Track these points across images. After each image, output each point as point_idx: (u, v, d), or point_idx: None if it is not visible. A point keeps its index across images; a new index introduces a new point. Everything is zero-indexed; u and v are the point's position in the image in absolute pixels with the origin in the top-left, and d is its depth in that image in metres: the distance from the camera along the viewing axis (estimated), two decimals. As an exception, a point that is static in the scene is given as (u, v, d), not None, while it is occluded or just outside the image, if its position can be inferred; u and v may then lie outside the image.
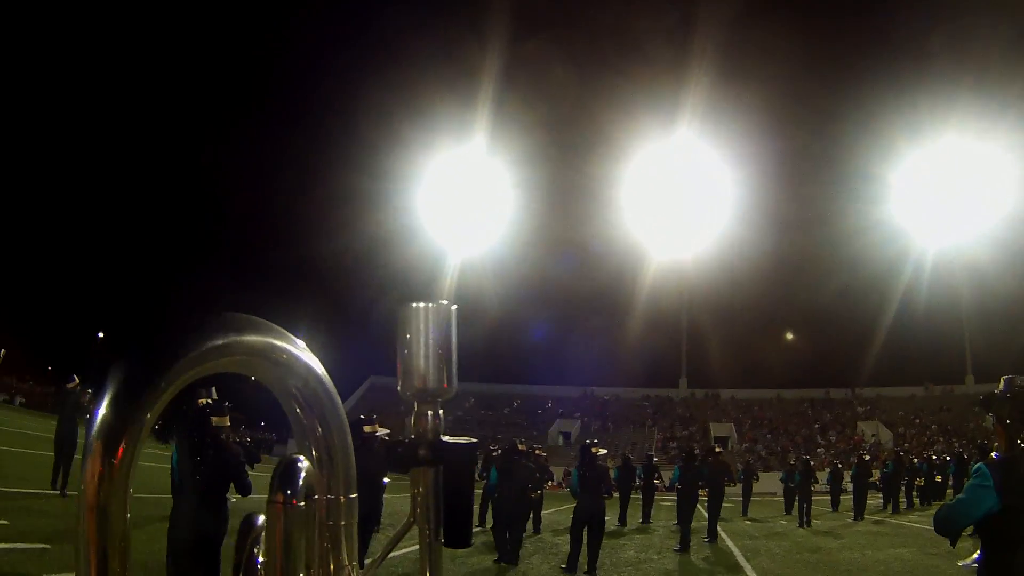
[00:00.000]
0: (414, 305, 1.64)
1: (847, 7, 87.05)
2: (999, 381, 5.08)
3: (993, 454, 4.93)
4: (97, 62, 71.25)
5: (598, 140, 77.64)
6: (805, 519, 29.32)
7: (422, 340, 1.61)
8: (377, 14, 77.38)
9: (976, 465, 4.92)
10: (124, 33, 71.02)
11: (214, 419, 9.09)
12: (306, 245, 71.38)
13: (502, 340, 70.05)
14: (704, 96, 74.30)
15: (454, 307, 1.67)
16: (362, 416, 13.39)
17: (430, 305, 1.63)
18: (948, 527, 4.82)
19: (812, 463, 35.72)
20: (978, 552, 4.90)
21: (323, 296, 68.73)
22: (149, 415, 1.02)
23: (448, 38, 77.30)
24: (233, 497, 9.24)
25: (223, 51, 75.63)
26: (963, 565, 5.20)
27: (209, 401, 9.52)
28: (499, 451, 20.04)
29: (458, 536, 1.58)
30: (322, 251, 71.51)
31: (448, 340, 1.63)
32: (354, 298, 68.89)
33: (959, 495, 4.86)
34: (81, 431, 17.21)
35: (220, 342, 1.15)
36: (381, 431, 13.16)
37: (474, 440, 1.68)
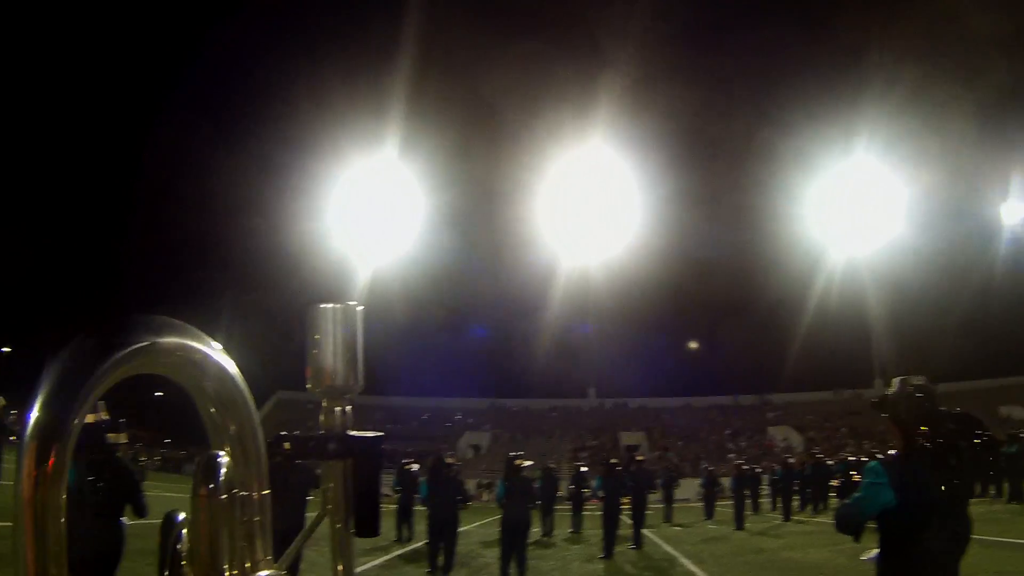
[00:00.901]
0: (322, 306, 1.72)
1: (757, 24, 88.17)
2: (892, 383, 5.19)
3: (891, 452, 5.06)
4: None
5: (509, 149, 77.62)
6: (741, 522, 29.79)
7: (330, 339, 1.69)
8: (287, 16, 76.52)
9: (871, 463, 5.04)
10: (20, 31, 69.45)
11: (110, 436, 8.93)
12: (209, 261, 70.38)
13: (410, 352, 69.64)
14: (616, 107, 74.69)
15: (360, 308, 1.75)
16: (283, 433, 13.29)
17: (337, 306, 1.72)
18: (847, 524, 4.93)
19: (712, 470, 36.43)
20: (876, 549, 5.00)
21: (228, 310, 67.67)
22: (78, 419, 1.06)
23: (359, 42, 76.87)
24: (128, 519, 9.06)
25: (130, 48, 74.37)
26: (864, 559, 5.34)
27: (103, 416, 9.35)
28: (428, 464, 20.10)
29: (368, 526, 1.65)
30: (227, 266, 70.67)
31: (355, 339, 1.72)
32: (260, 313, 67.96)
33: (855, 493, 4.96)
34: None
35: (144, 343, 1.20)
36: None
37: (381, 433, 1.76)
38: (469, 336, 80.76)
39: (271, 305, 68.11)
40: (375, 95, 70.70)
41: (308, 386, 1.72)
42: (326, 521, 1.70)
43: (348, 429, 1.68)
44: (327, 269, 72.77)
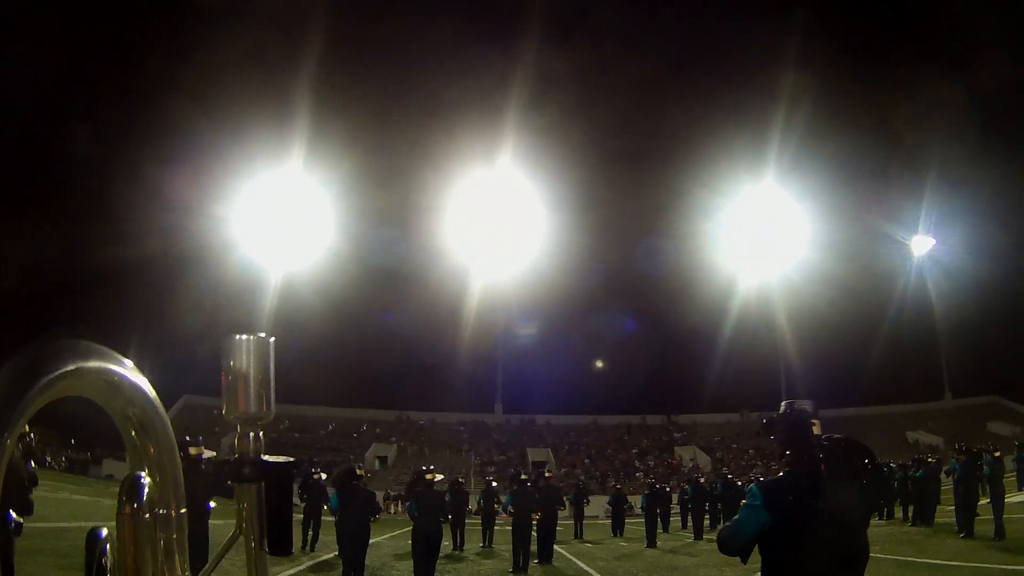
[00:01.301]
0: (236, 337, 1.81)
1: (667, 45, 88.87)
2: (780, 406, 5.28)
3: (779, 474, 5.14)
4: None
5: (421, 162, 77.44)
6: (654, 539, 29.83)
7: (244, 369, 1.78)
8: (195, 25, 75.52)
9: (750, 486, 5.14)
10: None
11: None
12: (116, 258, 68.88)
13: (317, 362, 68.92)
14: (525, 125, 74.97)
15: (272, 339, 1.85)
16: (187, 438, 13.16)
17: (251, 337, 1.81)
18: (728, 546, 4.97)
19: (620, 487, 36.72)
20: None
21: (135, 313, 66.51)
22: (9, 441, 1.14)
23: (269, 55, 76.26)
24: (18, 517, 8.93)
25: (38, 48, 72.85)
26: None
27: None
28: (339, 476, 19.90)
29: (280, 545, 1.74)
30: (134, 266, 69.39)
31: (267, 369, 1.81)
32: (167, 315, 66.89)
33: (736, 516, 5.06)
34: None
35: (70, 367, 1.28)
36: (207, 453, 12.97)
37: (292, 459, 1.86)
38: (377, 346, 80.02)
39: (178, 309, 67.24)
40: (282, 106, 70.33)
41: (223, 412, 1.81)
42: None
43: (261, 454, 1.77)
44: (237, 274, 72.07)
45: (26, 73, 71.53)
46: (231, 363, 1.80)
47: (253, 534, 1.76)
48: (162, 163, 70.65)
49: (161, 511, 1.50)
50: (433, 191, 77.41)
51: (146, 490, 1.44)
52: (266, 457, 1.79)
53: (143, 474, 1.47)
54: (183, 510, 1.55)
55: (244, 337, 1.81)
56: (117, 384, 1.42)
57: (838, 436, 5.27)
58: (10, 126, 72.61)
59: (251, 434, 1.81)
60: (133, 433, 1.50)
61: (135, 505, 1.41)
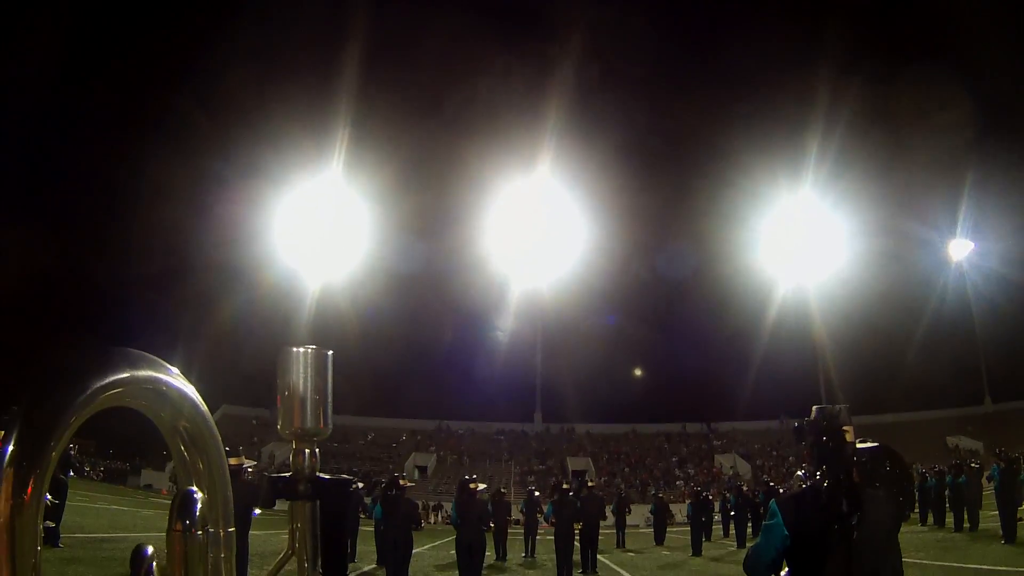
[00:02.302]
0: (293, 350, 1.74)
1: (708, 56, 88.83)
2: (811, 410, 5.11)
3: (802, 486, 4.95)
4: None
5: (458, 174, 77.60)
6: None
7: (300, 383, 1.72)
8: (235, 40, 75.98)
9: (771, 502, 4.91)
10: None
11: None
12: (155, 269, 69.47)
13: (357, 371, 69.09)
14: (567, 135, 75.05)
15: (330, 352, 1.78)
16: (227, 448, 13.14)
17: (308, 350, 1.75)
18: (752, 567, 4.82)
19: (662, 496, 36.60)
20: None
21: (173, 322, 67.05)
22: (55, 453, 1.09)
23: (307, 67, 76.66)
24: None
25: (75, 69, 73.45)
26: None
27: None
28: (382, 486, 19.86)
29: (335, 567, 1.68)
30: (172, 276, 69.98)
31: (324, 383, 1.75)
32: (205, 325, 67.31)
33: (758, 537, 4.88)
34: None
35: (119, 377, 1.23)
36: (248, 463, 13.00)
37: (350, 477, 1.80)
38: (416, 356, 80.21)
39: (218, 320, 67.64)
40: (321, 117, 70.62)
41: (279, 426, 1.75)
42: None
43: (316, 471, 1.71)
44: (275, 285, 72.40)
45: (71, 91, 72.35)
46: (287, 377, 1.74)
47: (306, 554, 1.70)
48: (204, 174, 71.27)
49: (211, 529, 1.44)
50: (471, 200, 77.65)
51: (199, 507, 1.39)
52: (322, 475, 1.74)
53: (195, 489, 1.41)
54: (232, 528, 1.49)
55: (301, 350, 1.76)
56: (167, 395, 1.38)
57: (868, 443, 5.15)
58: (55, 140, 73.49)
59: (307, 451, 1.75)
60: (182, 447, 1.45)
61: (187, 522, 1.37)
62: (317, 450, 1.78)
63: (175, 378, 1.40)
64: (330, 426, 1.77)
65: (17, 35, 65.62)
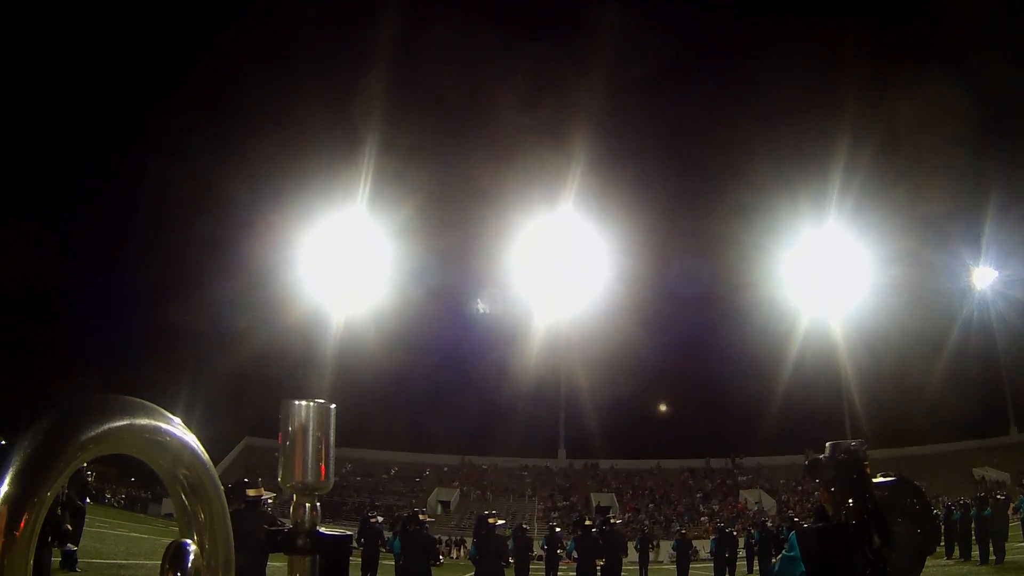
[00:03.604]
0: (296, 403, 1.72)
1: (723, 86, 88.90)
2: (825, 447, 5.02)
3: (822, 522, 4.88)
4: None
5: (481, 207, 77.78)
6: None
7: (302, 436, 1.70)
8: (257, 74, 76.55)
9: (790, 535, 4.90)
10: None
11: None
12: (182, 301, 69.81)
13: (379, 405, 69.20)
14: (587, 169, 75.17)
15: (333, 406, 1.76)
16: (246, 480, 13.19)
17: (311, 404, 1.73)
18: None
19: (685, 532, 36.39)
20: None
21: (197, 354, 67.28)
22: (49, 492, 1.10)
23: (331, 100, 77.06)
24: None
25: (89, 105, 74.06)
26: None
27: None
28: (402, 521, 19.88)
29: (333, 622, 1.67)
30: (196, 307, 70.16)
31: (327, 437, 1.72)
32: (230, 356, 67.53)
33: (776, 570, 4.81)
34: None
35: (116, 425, 1.24)
36: (266, 494, 12.99)
37: (348, 533, 1.78)
38: (440, 390, 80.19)
39: (242, 352, 67.84)
40: (344, 150, 71.02)
41: (279, 479, 1.73)
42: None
43: (317, 525, 1.69)
44: (299, 318, 72.60)
45: (96, 129, 73.01)
46: (289, 429, 1.73)
47: (305, 609, 1.68)
48: (227, 208, 71.61)
49: (206, 577, 1.43)
50: (495, 234, 77.86)
51: (191, 558, 1.38)
52: (322, 530, 1.72)
53: (189, 542, 1.41)
54: None
55: (303, 403, 1.74)
56: (166, 443, 1.39)
57: (890, 477, 5.08)
58: (80, 171, 74.04)
59: (307, 504, 1.73)
60: (183, 496, 1.45)
61: (178, 574, 1.35)
62: (318, 504, 1.75)
63: (174, 426, 1.40)
64: (332, 481, 1.75)
65: (27, 59, 66.10)
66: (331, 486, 1.76)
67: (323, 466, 1.72)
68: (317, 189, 70.82)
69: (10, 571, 1.04)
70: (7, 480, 1.07)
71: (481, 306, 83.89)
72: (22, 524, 1.06)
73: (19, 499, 1.06)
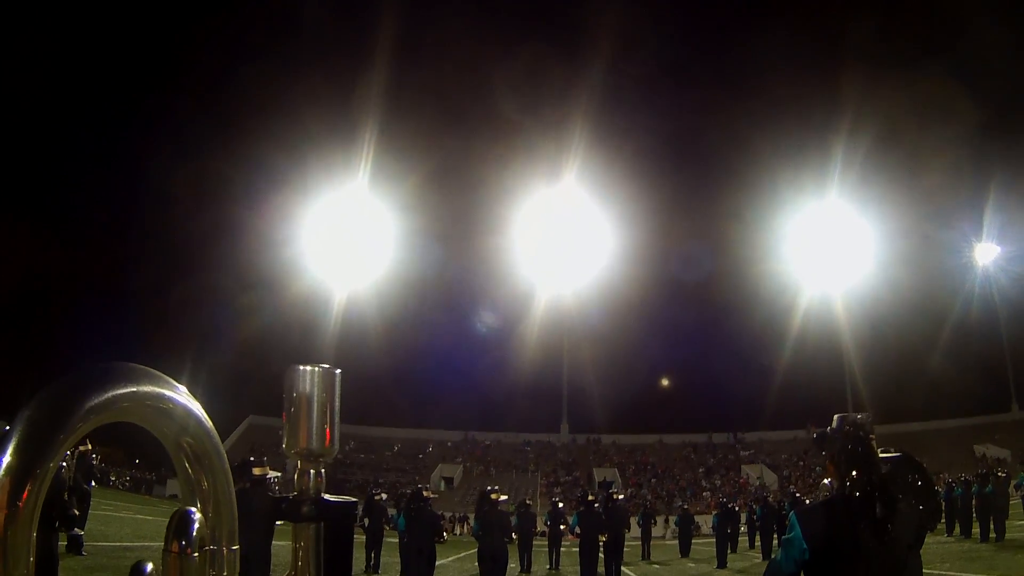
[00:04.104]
0: (300, 368, 1.70)
1: (731, 61, 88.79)
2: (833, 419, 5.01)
3: (824, 495, 4.86)
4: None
5: (483, 182, 77.72)
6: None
7: (306, 402, 1.67)
8: (258, 54, 76.48)
9: (791, 514, 4.82)
10: None
11: None
12: (185, 279, 69.84)
13: (382, 382, 69.25)
14: (590, 140, 75.00)
15: (338, 372, 1.74)
16: (251, 458, 13.19)
17: (315, 369, 1.70)
18: None
19: (687, 508, 36.43)
20: None
21: (202, 333, 67.42)
22: (52, 463, 1.09)
23: (332, 78, 76.90)
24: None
25: (104, 78, 74.04)
26: None
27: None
28: (406, 497, 19.87)
29: (338, 590, 1.65)
30: (200, 287, 70.14)
31: (332, 403, 1.70)
32: (234, 335, 67.71)
33: (778, 551, 4.78)
34: None
35: (119, 392, 1.22)
36: (272, 473, 13.01)
37: (354, 499, 1.76)
38: (443, 366, 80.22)
39: (245, 330, 67.92)
40: (345, 126, 70.86)
41: (284, 446, 1.71)
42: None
43: (321, 492, 1.67)
44: (302, 295, 72.59)
45: (102, 101, 72.92)
46: (293, 395, 1.70)
47: (308, 576, 1.67)
48: (230, 185, 71.61)
49: (211, 547, 1.42)
50: (497, 209, 77.75)
51: (196, 526, 1.37)
52: (327, 496, 1.70)
53: (194, 510, 1.40)
54: (235, 547, 1.47)
55: (308, 368, 1.72)
56: (170, 411, 1.37)
57: (893, 452, 5.06)
58: (84, 149, 74.01)
59: (311, 471, 1.71)
60: (186, 464, 1.44)
61: (183, 543, 1.34)
62: (323, 471, 1.73)
63: (179, 394, 1.39)
64: (336, 447, 1.73)
65: (31, 46, 66.04)
66: (336, 452, 1.74)
67: (328, 432, 1.70)
68: (318, 167, 70.82)
69: (13, 543, 1.02)
70: (9, 451, 1.05)
71: (482, 302, 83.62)
72: (24, 495, 1.04)
73: (22, 470, 1.05)
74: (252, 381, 64.75)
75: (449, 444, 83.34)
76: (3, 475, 1.03)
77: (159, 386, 1.33)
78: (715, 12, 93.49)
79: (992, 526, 27.99)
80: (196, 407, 1.41)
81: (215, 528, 1.43)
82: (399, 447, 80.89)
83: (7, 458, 1.04)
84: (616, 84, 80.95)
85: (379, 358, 70.24)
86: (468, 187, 78.71)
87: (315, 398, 1.67)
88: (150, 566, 1.36)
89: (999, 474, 30.31)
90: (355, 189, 71.21)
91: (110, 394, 1.21)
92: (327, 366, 1.71)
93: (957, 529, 31.59)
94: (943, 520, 31.12)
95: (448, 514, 53.32)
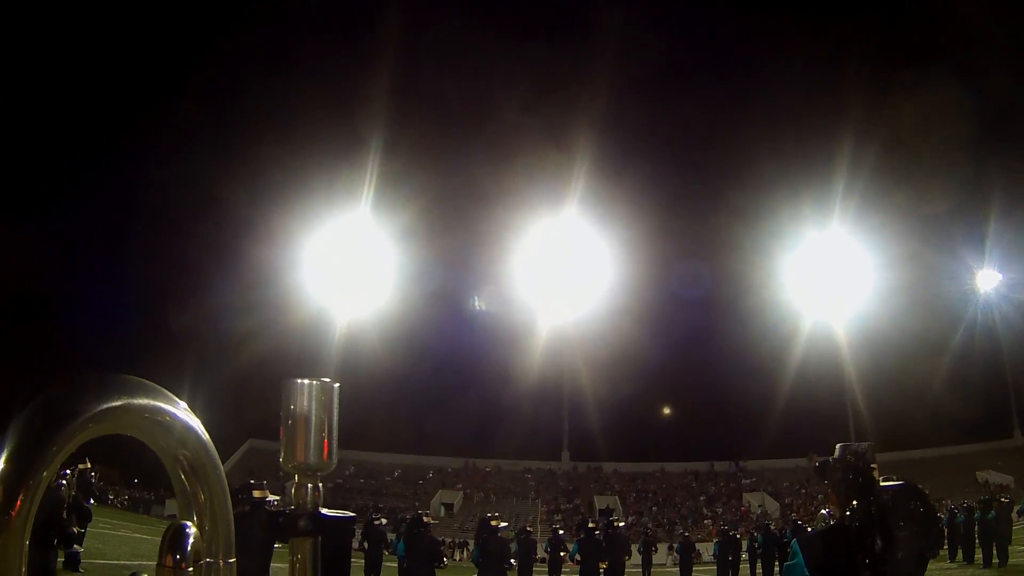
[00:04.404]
0: (298, 381, 1.69)
1: (728, 90, 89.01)
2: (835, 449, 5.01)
3: (825, 524, 4.87)
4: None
5: (484, 211, 77.86)
6: None
7: (304, 415, 1.66)
8: (260, 77, 76.70)
9: (793, 541, 4.89)
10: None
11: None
12: (185, 303, 69.89)
13: (383, 407, 69.21)
14: (590, 172, 75.09)
15: (336, 385, 1.73)
16: (252, 481, 13.16)
17: (314, 382, 1.69)
18: None
19: (688, 535, 36.44)
20: None
21: (202, 357, 67.24)
22: (46, 472, 1.07)
23: (335, 102, 77.10)
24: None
25: (93, 106, 74.21)
26: None
27: None
28: (406, 523, 19.84)
29: (335, 605, 1.64)
30: (202, 310, 70.19)
31: (330, 416, 1.69)
32: (234, 359, 67.55)
33: None
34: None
35: (115, 404, 1.21)
36: (272, 496, 12.96)
37: (352, 514, 1.75)
38: (444, 393, 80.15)
39: (243, 353, 67.83)
40: (348, 153, 71.00)
41: (281, 460, 1.70)
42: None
43: (319, 507, 1.66)
44: (302, 321, 72.52)
45: (103, 125, 73.08)
46: (291, 408, 1.69)
47: (306, 593, 1.65)
48: (231, 211, 71.67)
49: (207, 560, 1.40)
50: (498, 237, 77.80)
51: (191, 540, 1.35)
52: (324, 511, 1.69)
53: (189, 524, 1.38)
54: (232, 560, 1.45)
55: (306, 382, 1.70)
56: (167, 424, 1.36)
57: (894, 480, 5.05)
58: (86, 170, 74.15)
59: (309, 485, 1.70)
60: (183, 477, 1.42)
61: (177, 556, 1.32)
62: (320, 485, 1.72)
63: (176, 407, 1.38)
64: (334, 461, 1.72)
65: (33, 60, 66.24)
66: (334, 466, 1.73)
67: (326, 446, 1.69)
68: (320, 192, 70.81)
69: (5, 555, 1.00)
70: (1, 459, 1.04)
71: (481, 305, 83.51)
72: (17, 504, 1.03)
73: (14, 480, 1.03)
74: (252, 404, 64.67)
75: (449, 470, 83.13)
76: (-5, 483, 1.01)
77: (156, 398, 1.32)
78: (715, 43, 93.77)
79: (995, 552, 27.95)
80: (193, 420, 1.40)
81: (211, 541, 1.42)
82: (399, 472, 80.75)
83: (1, 465, 1.03)
84: (617, 112, 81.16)
85: (380, 383, 70.08)
86: (469, 214, 78.87)
87: (313, 412, 1.66)
88: (144, 576, 1.34)
89: (1002, 500, 30.24)
90: (357, 214, 71.22)
91: (106, 404, 1.20)
92: (326, 379, 1.70)
93: (960, 555, 31.53)
94: (945, 546, 31.11)
95: (448, 540, 53.15)
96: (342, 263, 71.36)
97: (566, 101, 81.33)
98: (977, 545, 30.05)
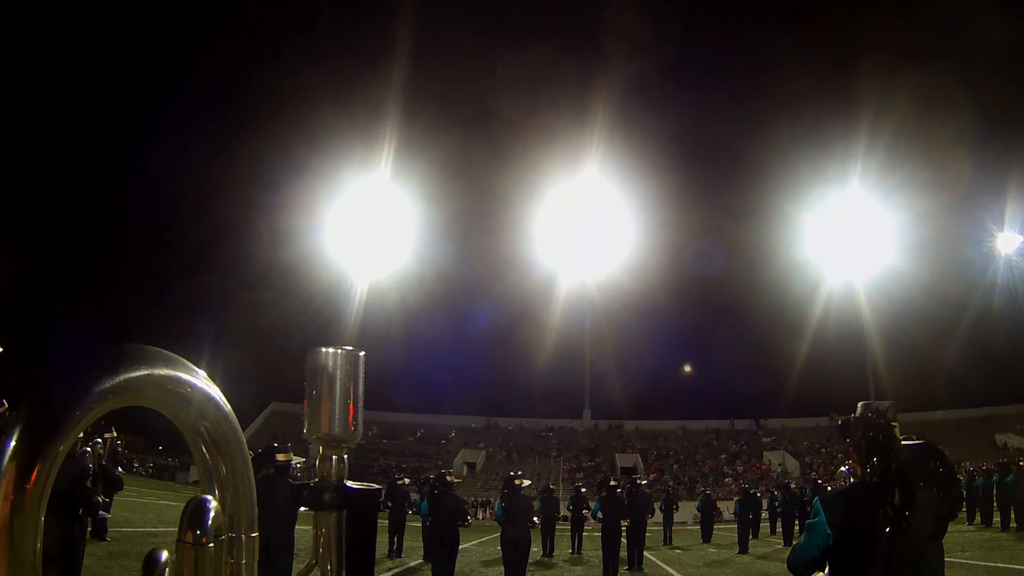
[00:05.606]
0: (323, 350, 1.64)
1: (752, 51, 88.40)
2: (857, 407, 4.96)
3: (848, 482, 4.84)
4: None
5: (508, 167, 77.76)
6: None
7: (329, 385, 1.61)
8: (282, 42, 76.66)
9: (815, 500, 4.86)
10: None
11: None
12: (208, 266, 70.27)
13: (405, 368, 69.46)
14: (613, 129, 74.90)
15: (362, 353, 1.68)
16: (275, 444, 13.19)
17: (338, 351, 1.64)
18: (794, 566, 4.71)
19: (709, 494, 36.50)
20: None
21: (224, 320, 67.51)
22: (63, 447, 1.04)
23: (354, 66, 77.01)
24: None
25: (128, 69, 74.33)
26: None
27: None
28: (430, 482, 19.90)
29: (360, 579, 1.59)
30: (224, 273, 70.45)
31: (355, 387, 1.64)
32: (256, 322, 67.79)
33: (802, 536, 4.77)
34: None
35: (134, 375, 1.17)
36: (296, 459, 12.98)
37: (378, 487, 1.70)
38: (465, 353, 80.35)
39: (266, 317, 68.05)
40: (371, 113, 70.88)
41: (305, 431, 1.66)
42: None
43: (344, 479, 1.62)
44: (324, 283, 72.72)
45: (127, 91, 73.20)
46: (315, 378, 1.64)
47: (331, 566, 1.61)
48: (253, 175, 71.81)
49: (230, 535, 1.36)
50: (518, 197, 77.74)
51: (212, 515, 1.32)
52: (350, 483, 1.64)
53: (209, 498, 1.34)
54: (254, 534, 1.41)
55: (331, 350, 1.65)
56: (187, 395, 1.32)
57: (915, 440, 5.01)
58: (107, 140, 74.33)
59: (334, 457, 1.66)
60: (204, 449, 1.39)
61: (197, 531, 1.29)
62: (346, 456, 1.67)
63: (196, 377, 1.34)
64: (360, 432, 1.67)
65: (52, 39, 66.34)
66: (359, 438, 1.68)
67: (351, 417, 1.64)
68: (341, 156, 70.86)
69: (20, 531, 0.97)
70: (16, 434, 1.01)
71: (502, 266, 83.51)
72: (32, 478, 0.99)
73: (30, 454, 1.00)
74: (274, 368, 65.03)
75: (472, 427, 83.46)
76: (9, 459, 0.98)
77: (175, 369, 1.28)
78: (735, 6, 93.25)
79: (1013, 515, 27.93)
80: (214, 391, 1.36)
81: (233, 515, 1.39)
82: (421, 433, 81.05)
83: (14, 442, 1.00)
84: (636, 76, 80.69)
85: (401, 345, 70.42)
86: (489, 176, 78.72)
87: (338, 381, 1.62)
88: (164, 555, 1.31)
89: (1020, 464, 30.13)
90: (377, 178, 71.28)
91: (123, 376, 1.16)
92: (351, 348, 1.65)
93: (978, 518, 31.52)
94: (964, 509, 31.09)
95: (471, 499, 53.37)
96: (362, 226, 71.45)
97: (586, 66, 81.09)
98: (995, 508, 30.07)
